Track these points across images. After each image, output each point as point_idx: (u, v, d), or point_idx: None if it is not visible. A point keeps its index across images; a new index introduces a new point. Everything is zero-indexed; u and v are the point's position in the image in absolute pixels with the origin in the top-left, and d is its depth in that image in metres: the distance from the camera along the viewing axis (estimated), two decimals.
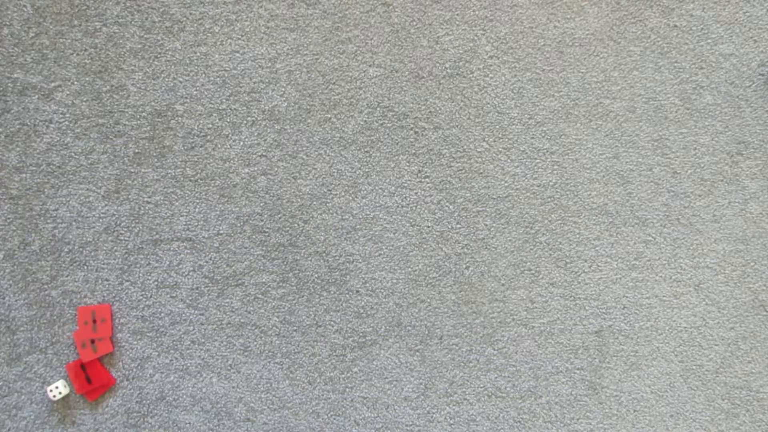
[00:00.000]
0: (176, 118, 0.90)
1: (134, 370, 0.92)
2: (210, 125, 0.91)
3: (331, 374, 0.92)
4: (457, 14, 0.91)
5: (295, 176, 0.91)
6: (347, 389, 0.92)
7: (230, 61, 0.90)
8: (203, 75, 0.90)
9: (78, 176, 0.90)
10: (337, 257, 0.92)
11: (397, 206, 0.91)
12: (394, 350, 0.92)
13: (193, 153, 0.91)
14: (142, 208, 0.91)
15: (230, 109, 0.91)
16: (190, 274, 0.91)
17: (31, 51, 0.90)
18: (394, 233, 0.92)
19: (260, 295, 0.92)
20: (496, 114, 0.91)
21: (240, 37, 0.90)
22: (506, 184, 0.92)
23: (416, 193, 0.92)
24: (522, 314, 0.92)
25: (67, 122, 0.90)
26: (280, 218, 0.91)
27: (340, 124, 0.91)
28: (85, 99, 0.90)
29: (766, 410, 0.93)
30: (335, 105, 0.91)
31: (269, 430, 0.92)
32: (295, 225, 0.91)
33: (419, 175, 0.91)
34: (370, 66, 0.91)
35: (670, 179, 0.92)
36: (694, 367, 0.93)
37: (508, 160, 0.92)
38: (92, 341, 0.90)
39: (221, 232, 0.91)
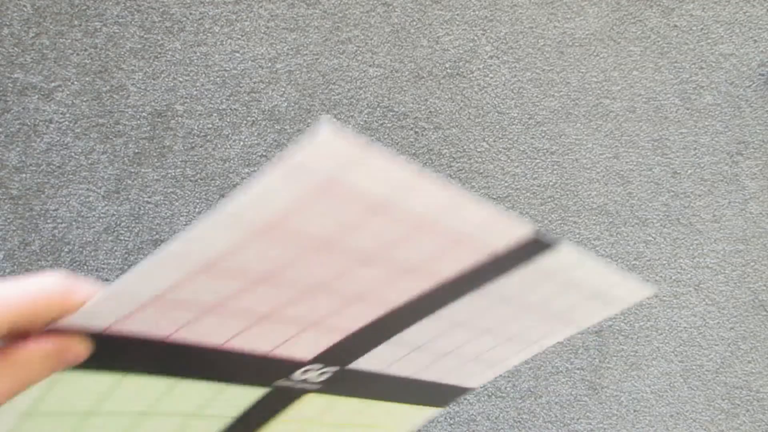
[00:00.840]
0: (176, 118, 0.90)
1: None
2: (210, 125, 0.91)
3: None
4: (457, 14, 0.91)
5: None
6: None
7: (230, 61, 0.90)
8: (203, 75, 0.90)
9: (78, 176, 0.90)
10: None
11: None
12: None
13: (193, 153, 0.91)
14: (142, 208, 0.91)
15: (230, 109, 0.91)
16: None
17: (31, 51, 0.90)
18: None
19: None
20: (496, 114, 0.91)
21: (240, 37, 0.90)
22: (506, 184, 0.92)
23: None
24: None
25: (67, 122, 0.90)
26: None
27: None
28: (85, 99, 0.90)
29: (766, 410, 0.93)
30: (335, 105, 0.91)
31: None
32: None
33: None
34: (370, 66, 0.91)
35: (670, 179, 0.92)
36: (694, 367, 0.93)
37: (508, 160, 0.92)
38: None
39: None
